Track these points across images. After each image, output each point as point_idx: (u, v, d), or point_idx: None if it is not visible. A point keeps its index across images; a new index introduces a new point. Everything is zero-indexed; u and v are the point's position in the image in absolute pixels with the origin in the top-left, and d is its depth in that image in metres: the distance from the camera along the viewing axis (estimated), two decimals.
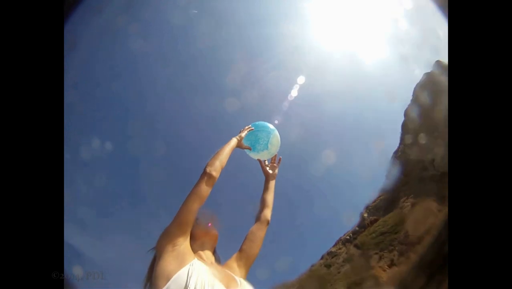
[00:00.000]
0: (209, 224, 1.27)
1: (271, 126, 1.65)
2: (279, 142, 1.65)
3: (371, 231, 14.82)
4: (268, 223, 1.45)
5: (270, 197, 1.54)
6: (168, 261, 1.05)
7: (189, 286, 0.97)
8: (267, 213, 1.48)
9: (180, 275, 1.00)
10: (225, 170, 1.30)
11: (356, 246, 14.74)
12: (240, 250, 1.36)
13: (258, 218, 1.46)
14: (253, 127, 1.61)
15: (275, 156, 1.67)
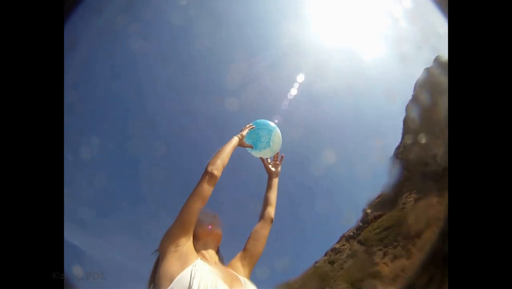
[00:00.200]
0: (209, 227, 1.25)
1: (272, 124, 1.64)
2: (281, 140, 1.64)
3: (374, 226, 14.81)
4: (272, 221, 1.44)
5: (273, 195, 1.53)
6: (171, 262, 1.04)
7: (193, 286, 0.96)
8: (271, 211, 1.47)
9: (183, 276, 0.99)
10: (226, 169, 1.29)
11: (359, 242, 14.72)
12: (244, 249, 1.35)
13: (261, 216, 1.45)
14: (254, 126, 1.59)
15: (278, 153, 1.66)
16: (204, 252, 1.20)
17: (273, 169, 1.61)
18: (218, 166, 1.25)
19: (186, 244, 1.11)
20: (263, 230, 1.41)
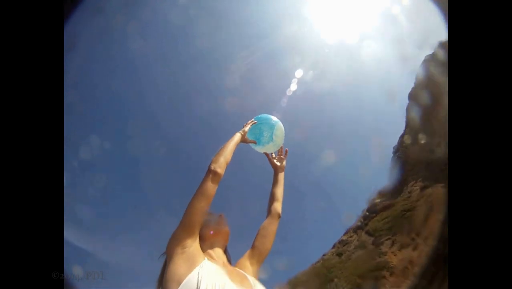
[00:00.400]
0: (211, 232, 1.22)
1: (274, 118, 1.62)
2: (284, 134, 1.62)
3: (383, 216, 14.78)
4: (279, 216, 1.42)
5: (279, 190, 1.51)
6: (178, 264, 1.03)
7: (200, 288, 0.95)
8: (278, 207, 1.45)
9: (191, 279, 0.98)
10: (231, 166, 1.28)
11: (367, 232, 14.70)
12: (253, 247, 1.33)
13: (269, 212, 1.43)
14: (256, 121, 1.57)
15: (282, 147, 1.64)
16: (211, 252, 1.18)
17: (278, 164, 1.59)
18: (221, 164, 1.22)
19: (193, 245, 1.09)
20: (270, 226, 1.39)
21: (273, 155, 1.64)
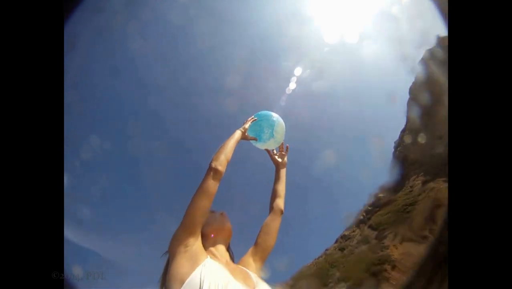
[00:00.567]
0: (212, 236, 1.21)
1: (274, 114, 1.61)
2: (284, 129, 1.62)
3: (385, 211, 14.79)
4: (282, 213, 1.42)
5: (282, 186, 1.51)
6: (181, 263, 1.02)
7: (203, 288, 0.95)
8: (280, 203, 1.44)
9: (193, 278, 0.98)
10: (232, 164, 1.27)
11: (370, 226, 14.71)
12: (256, 244, 1.32)
13: (271, 209, 1.43)
14: (256, 118, 1.56)
15: (282, 144, 1.64)
16: (214, 250, 1.18)
17: (279, 160, 1.59)
18: (222, 161, 1.21)
19: (195, 243, 1.08)
20: (273, 223, 1.38)
21: (274, 151, 1.64)
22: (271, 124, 1.58)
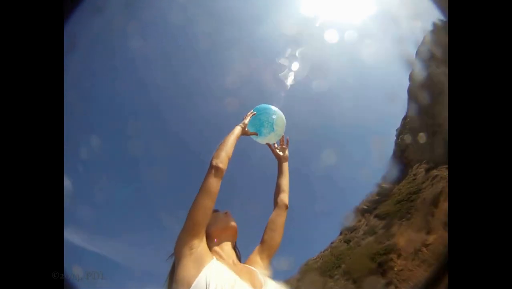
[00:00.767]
0: (215, 240, 1.18)
1: (273, 107, 1.59)
2: (285, 122, 1.60)
3: (390, 199, 14.76)
4: (287, 207, 1.39)
5: (285, 181, 1.48)
6: (187, 266, 1.01)
7: None
8: (285, 198, 1.42)
9: (199, 281, 0.96)
10: (233, 161, 1.25)
11: (377, 216, 14.68)
12: (262, 242, 1.30)
13: (276, 204, 1.40)
14: (255, 112, 1.54)
15: (283, 137, 1.62)
16: (220, 251, 1.16)
17: (281, 153, 1.57)
18: (223, 159, 1.19)
19: (200, 245, 1.06)
20: (279, 219, 1.35)
21: (275, 145, 1.61)
22: (271, 118, 1.55)
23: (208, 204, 1.11)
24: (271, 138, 1.58)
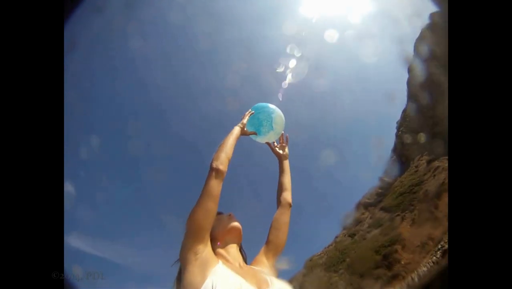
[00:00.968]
0: (218, 244, 1.16)
1: (271, 105, 1.57)
2: (283, 120, 1.58)
3: (393, 192, 14.76)
4: (290, 205, 1.38)
5: (287, 179, 1.47)
6: (193, 272, 0.99)
7: None
8: (287, 196, 1.41)
9: (206, 287, 0.95)
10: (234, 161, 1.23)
11: (382, 209, 14.68)
12: (267, 242, 1.29)
13: (279, 203, 1.39)
14: (253, 111, 1.52)
15: (282, 135, 1.60)
16: (225, 254, 1.14)
17: (281, 152, 1.56)
18: (223, 160, 1.17)
19: (205, 250, 1.04)
20: (283, 217, 1.34)
21: (275, 143, 1.61)
22: (269, 116, 1.54)
23: (211, 207, 1.10)
24: (271, 137, 1.57)
